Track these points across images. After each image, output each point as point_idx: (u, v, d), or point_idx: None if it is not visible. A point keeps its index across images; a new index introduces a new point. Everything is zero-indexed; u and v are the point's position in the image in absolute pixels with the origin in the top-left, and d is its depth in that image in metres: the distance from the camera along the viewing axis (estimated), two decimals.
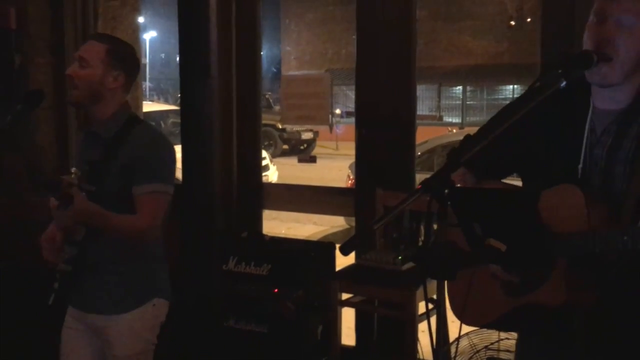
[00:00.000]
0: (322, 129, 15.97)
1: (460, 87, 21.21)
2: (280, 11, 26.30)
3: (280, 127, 15.61)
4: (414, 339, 3.15)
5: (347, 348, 3.56)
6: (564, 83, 1.59)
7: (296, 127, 15.39)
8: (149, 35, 29.36)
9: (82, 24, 3.95)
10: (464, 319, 1.72)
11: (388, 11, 3.40)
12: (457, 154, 1.41)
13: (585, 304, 1.60)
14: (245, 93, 3.86)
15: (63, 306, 2.44)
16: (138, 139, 2.34)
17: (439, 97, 21.00)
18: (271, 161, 9.95)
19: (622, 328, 1.65)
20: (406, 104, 3.46)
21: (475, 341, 3.15)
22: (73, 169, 2.25)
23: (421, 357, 3.32)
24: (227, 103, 3.82)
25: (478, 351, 3.14)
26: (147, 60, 29.87)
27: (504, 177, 1.82)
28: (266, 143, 15.95)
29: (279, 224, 8.75)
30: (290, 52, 24.91)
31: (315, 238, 8.03)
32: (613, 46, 1.59)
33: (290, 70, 22.28)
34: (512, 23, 18.83)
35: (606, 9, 1.59)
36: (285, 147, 16.94)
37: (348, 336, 3.66)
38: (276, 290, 3.25)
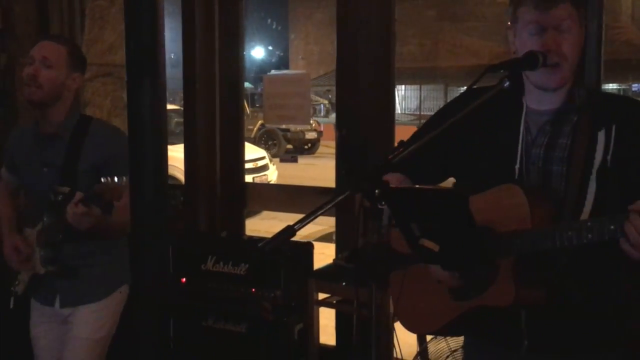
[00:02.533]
0: (325, 128, 15.94)
1: (466, 88, 21.12)
2: (287, 12, 26.35)
3: (284, 126, 15.61)
4: (390, 339, 3.14)
5: (327, 348, 3.56)
6: (507, 84, 1.60)
7: (300, 127, 15.37)
8: None
9: (68, 24, 3.96)
10: (413, 328, 1.71)
11: (367, 13, 3.40)
12: (389, 154, 1.42)
13: (534, 302, 1.60)
14: (228, 94, 3.87)
15: (26, 306, 2.48)
16: (101, 138, 2.43)
17: (446, 97, 20.94)
18: (271, 161, 9.96)
19: (568, 324, 1.66)
20: (385, 104, 3.45)
21: (451, 343, 3.15)
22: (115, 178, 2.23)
23: (399, 357, 3.31)
24: (210, 104, 3.84)
25: (454, 351, 3.14)
26: None
27: (440, 182, 1.82)
28: (270, 143, 15.96)
29: (277, 223, 8.74)
30: (298, 52, 24.95)
31: (313, 237, 8.03)
32: (560, 53, 1.61)
33: (299, 70, 22.31)
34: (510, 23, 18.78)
35: (541, 21, 1.61)
36: (289, 146, 16.92)
37: (332, 335, 3.66)
38: (254, 290, 3.26)
